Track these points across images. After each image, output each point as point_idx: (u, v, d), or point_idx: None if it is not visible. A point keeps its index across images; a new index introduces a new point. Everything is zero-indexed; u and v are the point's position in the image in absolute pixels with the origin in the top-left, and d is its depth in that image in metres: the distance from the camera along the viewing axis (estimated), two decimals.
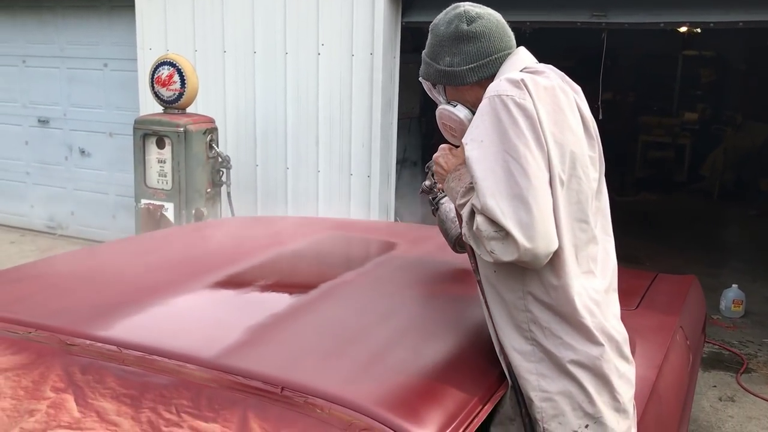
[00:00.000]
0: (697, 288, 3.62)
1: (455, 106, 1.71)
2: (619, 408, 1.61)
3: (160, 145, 5.02)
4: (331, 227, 2.60)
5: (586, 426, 1.58)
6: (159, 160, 5.06)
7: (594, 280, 1.60)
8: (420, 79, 1.79)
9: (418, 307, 1.82)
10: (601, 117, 5.05)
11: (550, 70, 1.67)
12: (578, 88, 1.72)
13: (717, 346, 4.88)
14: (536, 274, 1.55)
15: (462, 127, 1.68)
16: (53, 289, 1.81)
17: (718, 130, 10.13)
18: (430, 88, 1.78)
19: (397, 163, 5.87)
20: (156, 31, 5.94)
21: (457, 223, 1.84)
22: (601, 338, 1.57)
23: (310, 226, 2.68)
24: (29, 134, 7.12)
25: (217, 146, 5.17)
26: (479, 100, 1.63)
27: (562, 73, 1.71)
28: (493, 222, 1.43)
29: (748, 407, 4.03)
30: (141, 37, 6.01)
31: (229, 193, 5.27)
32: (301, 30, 5.40)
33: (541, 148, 1.48)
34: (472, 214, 1.50)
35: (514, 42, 1.73)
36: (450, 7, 1.74)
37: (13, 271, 1.97)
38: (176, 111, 5.08)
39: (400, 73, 5.33)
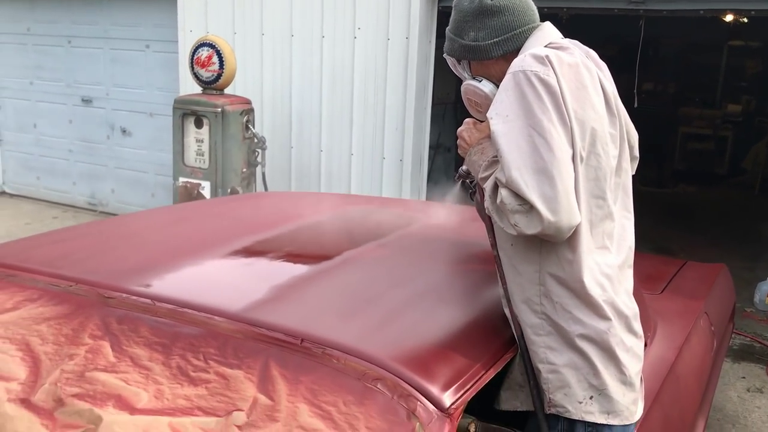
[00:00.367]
0: (726, 276, 3.60)
1: (480, 81, 1.73)
2: (625, 381, 1.63)
3: (199, 124, 5.14)
4: (360, 202, 2.67)
5: (591, 397, 1.61)
6: (197, 139, 5.18)
7: (608, 255, 1.63)
8: (444, 55, 1.81)
9: (435, 277, 1.88)
10: (636, 105, 5.03)
11: (574, 45, 1.69)
12: (603, 65, 1.73)
13: (749, 339, 4.82)
14: (553, 249, 1.57)
15: (487, 102, 1.69)
16: (92, 249, 1.91)
17: (762, 123, 9.91)
18: (454, 64, 1.80)
19: (431, 148, 5.90)
20: (197, 13, 6.06)
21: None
22: (610, 312, 1.60)
23: (339, 200, 2.76)
24: (73, 113, 7.33)
25: (253, 127, 5.26)
26: (504, 75, 1.64)
27: (587, 49, 1.72)
28: (517, 195, 1.46)
29: None
30: (182, 19, 6.14)
31: (263, 174, 5.37)
32: (338, 14, 5.46)
33: (564, 123, 1.50)
34: (496, 187, 1.53)
35: (537, 16, 1.74)
36: None
37: (55, 234, 2.09)
38: (214, 92, 5.19)
39: (435, 58, 5.36)
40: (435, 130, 6.12)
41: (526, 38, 1.69)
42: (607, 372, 1.61)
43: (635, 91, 5.38)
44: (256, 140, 5.26)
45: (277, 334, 1.36)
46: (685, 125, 10.19)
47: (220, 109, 5.03)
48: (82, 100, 7.23)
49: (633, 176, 1.80)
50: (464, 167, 2.02)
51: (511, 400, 1.70)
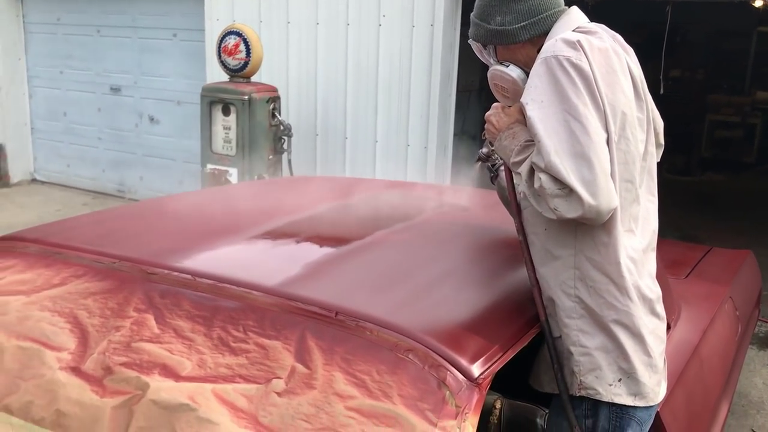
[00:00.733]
0: (752, 262, 3.60)
1: (507, 66, 1.73)
2: (650, 363, 1.66)
3: (226, 112, 5.22)
4: (389, 187, 2.73)
5: (620, 380, 1.64)
6: (224, 126, 5.26)
7: (633, 238, 1.65)
8: (470, 41, 1.81)
9: (461, 257, 1.93)
10: (662, 92, 5.00)
11: (602, 30, 1.69)
12: (630, 49, 1.74)
13: None
14: (588, 232, 1.59)
15: (515, 87, 1.71)
16: (133, 229, 1.99)
17: None
18: (480, 50, 1.80)
19: (455, 135, 5.93)
20: (223, 2, 6.13)
21: (521, 188, 1.83)
22: (635, 296, 1.62)
23: (369, 184, 2.82)
24: (102, 101, 7.46)
25: (280, 115, 5.33)
26: (531, 59, 1.67)
27: (614, 33, 1.73)
28: (557, 180, 1.47)
29: None
30: (209, 8, 6.21)
31: (290, 161, 5.43)
32: (362, 1, 5.49)
33: (598, 108, 1.52)
34: (532, 171, 1.54)
35: (563, 0, 1.75)
36: None
37: (96, 214, 2.18)
38: (241, 79, 5.26)
39: (459, 45, 5.37)
40: (459, 117, 6.14)
41: (553, 22, 1.69)
42: (636, 355, 1.63)
43: (661, 77, 5.36)
44: (282, 127, 5.32)
45: (313, 308, 1.42)
46: (712, 113, 10.07)
47: (247, 97, 5.10)
48: (111, 89, 7.35)
49: (659, 164, 1.82)
50: (484, 150, 2.03)
51: (552, 383, 1.71)
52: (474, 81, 7.51)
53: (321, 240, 1.91)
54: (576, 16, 1.72)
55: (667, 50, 5.39)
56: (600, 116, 1.52)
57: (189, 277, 1.57)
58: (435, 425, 1.19)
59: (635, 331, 1.63)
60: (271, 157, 5.32)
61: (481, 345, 1.36)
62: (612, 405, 1.66)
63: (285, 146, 5.39)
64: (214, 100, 5.23)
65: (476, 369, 1.30)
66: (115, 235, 1.90)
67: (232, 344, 1.36)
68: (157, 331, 1.43)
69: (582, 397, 1.67)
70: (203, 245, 1.83)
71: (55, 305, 1.57)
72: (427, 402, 1.22)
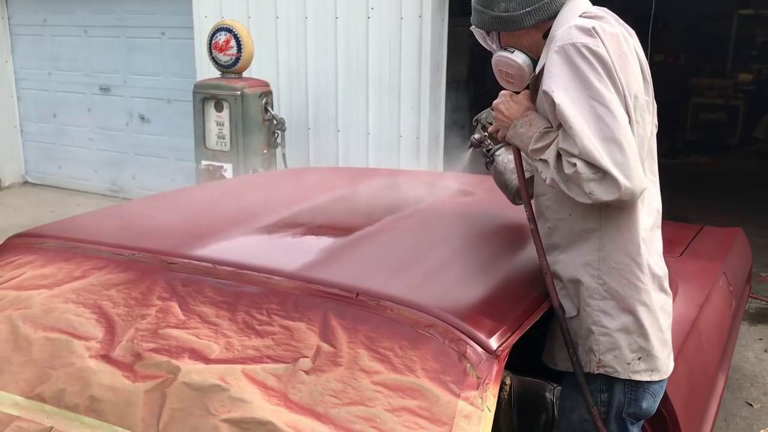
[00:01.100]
0: (742, 239, 3.69)
1: (512, 52, 1.71)
2: (663, 339, 1.72)
3: (219, 108, 5.24)
4: (395, 175, 2.79)
5: (639, 358, 1.68)
6: (217, 122, 5.28)
7: (642, 218, 1.69)
8: (472, 28, 1.80)
9: (471, 239, 1.99)
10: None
11: (608, 14, 1.71)
12: (633, 32, 1.75)
13: (765, 302, 4.91)
14: (613, 215, 1.63)
15: (521, 73, 1.71)
16: (149, 221, 2.03)
17: None
18: (483, 37, 1.79)
19: (445, 125, 5.98)
20: None
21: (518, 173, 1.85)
22: (648, 273, 1.67)
23: (376, 173, 2.88)
24: (92, 102, 7.45)
25: (272, 109, 5.36)
26: (536, 44, 1.69)
27: (617, 16, 1.74)
28: (591, 164, 1.49)
29: None
30: (197, 6, 6.22)
31: (284, 155, 5.47)
32: None
33: (618, 92, 1.54)
34: (559, 157, 1.56)
35: None
36: None
37: (110, 209, 2.22)
38: (233, 75, 5.28)
39: (448, 36, 5.42)
40: (448, 107, 6.19)
41: (557, 7, 1.69)
42: (653, 333, 1.68)
43: (647, 62, 5.42)
44: (275, 122, 5.36)
45: (334, 290, 1.47)
46: (696, 96, 10.20)
47: (239, 92, 5.13)
48: (101, 89, 7.34)
49: None
50: (476, 136, 2.02)
51: (567, 362, 1.74)
52: (462, 71, 7.57)
53: (334, 226, 1.97)
54: (580, 1, 1.72)
55: (651, 35, 5.47)
56: (621, 100, 1.54)
57: (209, 265, 1.62)
58: (458, 396, 1.25)
59: (652, 309, 1.68)
60: (265, 151, 5.35)
61: (497, 320, 1.42)
62: (626, 381, 1.69)
63: (279, 140, 5.43)
64: (207, 97, 5.25)
65: (494, 342, 1.36)
66: (132, 228, 1.95)
67: (258, 327, 1.42)
68: (182, 317, 1.48)
69: (596, 375, 1.70)
70: (220, 234, 1.88)
71: (79, 297, 1.61)
72: (450, 374, 1.28)
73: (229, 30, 5.18)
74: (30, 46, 7.72)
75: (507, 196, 2.01)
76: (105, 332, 1.50)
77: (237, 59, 5.21)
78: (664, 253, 2.81)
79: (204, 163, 5.39)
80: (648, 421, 1.88)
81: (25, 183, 8.12)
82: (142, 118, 7.15)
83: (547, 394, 1.96)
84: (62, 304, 1.60)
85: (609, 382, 1.71)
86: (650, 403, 1.75)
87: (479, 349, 1.33)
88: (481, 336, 1.35)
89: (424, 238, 1.90)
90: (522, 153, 1.76)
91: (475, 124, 2.05)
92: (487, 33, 1.77)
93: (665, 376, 1.75)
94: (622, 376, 1.69)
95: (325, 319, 1.40)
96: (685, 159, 9.31)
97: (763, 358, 4.11)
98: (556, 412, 1.87)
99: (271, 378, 1.30)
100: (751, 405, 3.58)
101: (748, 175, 8.64)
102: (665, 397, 1.95)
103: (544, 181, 1.63)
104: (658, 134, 1.83)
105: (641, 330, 1.67)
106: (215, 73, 5.40)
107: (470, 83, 7.88)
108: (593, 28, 1.56)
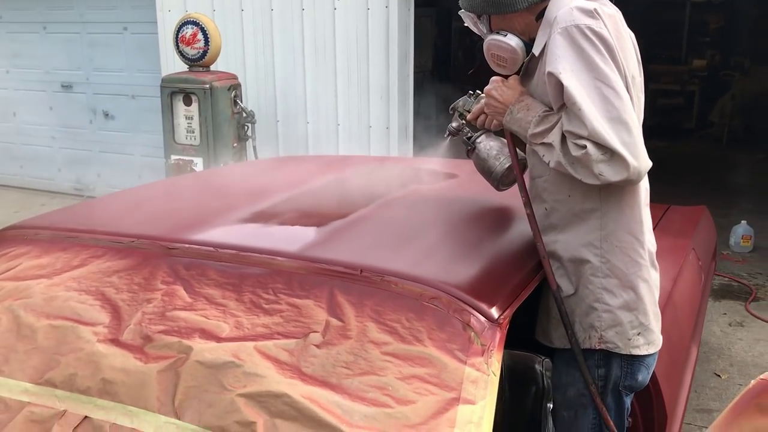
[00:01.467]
0: (707, 217, 3.84)
1: (505, 36, 1.70)
2: (656, 312, 1.77)
3: (187, 102, 5.21)
4: (383, 160, 2.84)
5: (639, 333, 1.72)
6: (186, 116, 5.25)
7: (643, 196, 1.75)
8: (461, 12, 1.79)
9: (465, 217, 2.05)
10: None
11: None
12: (620, 13, 1.76)
13: (727, 279, 5.10)
14: (614, 194, 1.66)
15: (514, 56, 1.71)
16: (144, 209, 2.05)
17: (727, 76, 10.23)
18: (474, 21, 1.78)
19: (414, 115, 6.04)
20: None
21: (502, 159, 1.90)
22: (647, 250, 1.73)
23: (362, 159, 2.92)
24: (53, 100, 7.31)
25: (241, 102, 5.35)
26: (529, 27, 1.70)
27: None
28: (600, 145, 1.49)
29: (756, 331, 4.28)
30: (161, 0, 6.15)
31: (254, 147, 5.47)
32: None
33: (620, 73, 1.57)
34: (564, 139, 1.57)
35: None
36: None
37: (102, 199, 2.23)
38: (201, 69, 5.26)
39: (415, 26, 5.47)
40: (415, 98, 6.25)
41: None
42: (650, 309, 1.73)
43: None
44: (245, 115, 5.35)
45: (338, 268, 1.52)
46: (653, 82, 10.46)
47: (208, 86, 5.11)
48: (62, 86, 7.21)
49: None
50: (454, 124, 2.02)
51: (564, 339, 1.78)
52: (427, 61, 7.65)
53: (331, 209, 2.01)
54: None
55: None
56: (623, 81, 1.57)
57: (211, 249, 1.64)
58: (465, 363, 1.31)
59: (651, 284, 1.73)
60: (235, 144, 5.34)
61: (497, 290, 1.49)
62: (625, 354, 1.73)
63: (249, 133, 5.42)
64: (175, 91, 5.22)
65: (495, 311, 1.42)
66: (127, 216, 1.96)
67: (265, 306, 1.45)
68: (189, 300, 1.51)
69: (592, 350, 1.74)
70: (216, 219, 1.90)
71: (80, 285, 1.62)
72: (456, 343, 1.34)
73: (195, 23, 5.15)
74: None
75: (491, 183, 2.01)
76: (111, 317, 1.52)
77: (204, 52, 5.18)
78: None
79: (174, 157, 5.35)
80: None
81: None
82: (106, 114, 7.05)
83: (537, 366, 2.03)
84: (64, 292, 1.61)
85: (606, 356, 1.75)
86: (645, 376, 1.80)
87: (482, 318, 1.39)
88: (483, 306, 1.41)
89: (419, 217, 1.95)
90: (514, 137, 1.77)
91: (451, 112, 2.05)
92: (478, 17, 1.76)
93: (658, 349, 1.79)
94: (623, 351, 1.72)
95: (332, 295, 1.44)
96: (645, 143, 9.53)
97: (727, 332, 4.28)
98: (546, 382, 1.94)
99: (283, 353, 1.34)
100: (719, 376, 3.73)
101: (704, 158, 8.91)
102: None
103: (547, 164, 1.64)
104: None
105: (641, 306, 1.71)
106: (181, 68, 5.37)
107: (435, 73, 7.97)
108: (595, 9, 1.58)
